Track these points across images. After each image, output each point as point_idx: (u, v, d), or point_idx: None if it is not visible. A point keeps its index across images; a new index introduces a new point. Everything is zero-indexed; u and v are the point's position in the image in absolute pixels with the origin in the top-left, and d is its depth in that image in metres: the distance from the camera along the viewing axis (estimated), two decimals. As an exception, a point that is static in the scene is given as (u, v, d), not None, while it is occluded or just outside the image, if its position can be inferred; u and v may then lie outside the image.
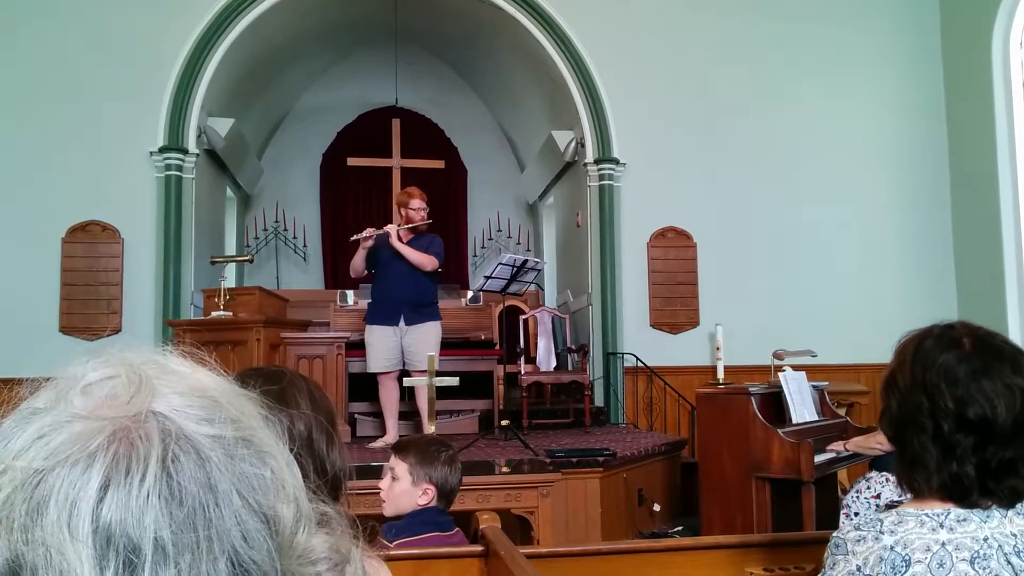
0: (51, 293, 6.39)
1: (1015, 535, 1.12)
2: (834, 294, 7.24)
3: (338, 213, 9.73)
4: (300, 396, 1.22)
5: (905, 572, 1.09)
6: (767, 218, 7.27)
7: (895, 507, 1.19)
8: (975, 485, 1.13)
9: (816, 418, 4.27)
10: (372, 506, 2.60)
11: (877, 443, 3.65)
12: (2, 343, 6.08)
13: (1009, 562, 1.09)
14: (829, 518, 3.60)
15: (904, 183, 7.54)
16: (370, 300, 5.48)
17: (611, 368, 6.98)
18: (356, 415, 6.16)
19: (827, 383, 4.81)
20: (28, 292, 6.33)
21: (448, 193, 9.67)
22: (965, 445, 1.14)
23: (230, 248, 8.64)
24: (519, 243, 9.95)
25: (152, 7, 6.70)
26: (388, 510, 2.26)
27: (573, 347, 6.97)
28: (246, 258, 6.82)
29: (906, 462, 1.20)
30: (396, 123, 8.49)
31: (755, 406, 3.96)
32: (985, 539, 1.11)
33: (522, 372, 6.27)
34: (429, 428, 4.31)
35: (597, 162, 7.20)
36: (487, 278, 5.38)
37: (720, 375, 6.21)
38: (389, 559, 1.61)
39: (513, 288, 5.52)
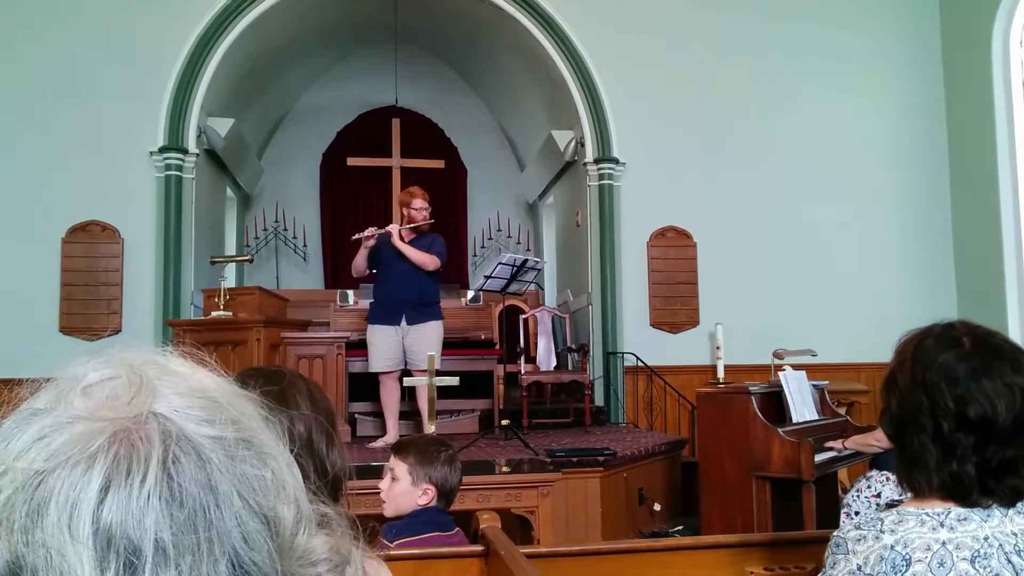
0: (51, 293, 6.39)
1: (1015, 534, 1.12)
2: (834, 294, 7.24)
3: (338, 213, 9.74)
4: (300, 396, 1.21)
5: (905, 571, 1.09)
6: (767, 218, 7.27)
7: (895, 506, 1.19)
8: (975, 484, 1.13)
9: (816, 417, 4.27)
10: (372, 506, 2.60)
11: (875, 440, 3.66)
12: (2, 343, 6.07)
13: (1010, 561, 1.09)
14: (829, 517, 3.60)
15: (904, 183, 7.54)
16: (372, 300, 5.48)
17: (611, 368, 6.98)
18: (356, 415, 6.16)
19: (827, 382, 4.81)
20: (28, 292, 6.33)
21: (448, 193, 9.67)
22: (965, 444, 1.14)
23: (230, 248, 8.64)
24: (519, 243, 9.95)
25: (152, 7, 6.70)
26: (388, 510, 2.26)
27: (573, 347, 6.97)
28: (246, 258, 6.82)
29: (906, 461, 1.20)
30: (396, 123, 8.49)
31: (755, 405, 3.96)
32: (986, 538, 1.11)
33: (522, 372, 6.27)
34: (429, 428, 4.31)
35: (597, 162, 7.20)
36: (487, 278, 5.38)
37: (720, 374, 6.22)
38: (389, 559, 1.61)
39: (513, 288, 5.51)
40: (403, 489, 2.24)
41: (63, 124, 6.52)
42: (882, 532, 1.14)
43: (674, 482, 5.55)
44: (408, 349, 5.19)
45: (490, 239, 10.03)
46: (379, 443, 5.16)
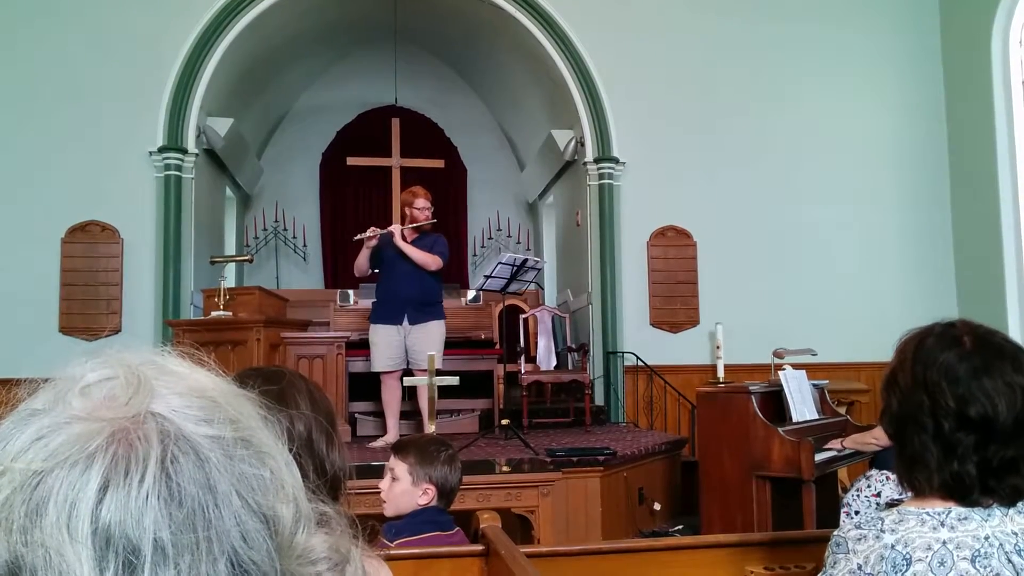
0: (51, 293, 6.39)
1: (1016, 533, 1.12)
2: (834, 293, 7.24)
3: (338, 213, 9.74)
4: (299, 396, 1.21)
5: (906, 571, 1.09)
6: (767, 217, 7.27)
7: (896, 505, 1.19)
8: (976, 484, 1.13)
9: (816, 417, 4.27)
10: (372, 506, 2.60)
11: (873, 439, 3.67)
12: (2, 343, 6.07)
13: (1010, 560, 1.09)
14: (829, 517, 3.60)
15: (904, 183, 7.54)
16: (374, 300, 5.49)
17: (611, 367, 6.98)
18: (356, 415, 6.16)
19: (827, 382, 4.80)
20: (28, 292, 6.33)
21: (448, 193, 9.66)
22: (966, 444, 1.14)
23: (230, 248, 8.64)
24: (519, 242, 9.95)
25: (152, 7, 6.70)
26: (388, 510, 2.26)
27: (573, 346, 6.97)
28: (246, 258, 6.82)
29: (907, 460, 1.20)
30: (396, 123, 8.48)
31: (755, 405, 3.96)
32: (986, 538, 1.11)
33: (522, 371, 6.27)
34: (429, 427, 4.31)
35: (597, 161, 7.20)
36: (487, 277, 5.38)
37: (720, 374, 6.21)
38: (389, 559, 1.60)
39: (513, 287, 5.51)
40: (403, 489, 2.24)
41: (63, 124, 6.52)
42: (882, 531, 1.14)
43: (674, 482, 5.55)
44: (410, 349, 5.19)
45: (490, 239, 10.03)
46: (379, 443, 5.16)
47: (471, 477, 3.41)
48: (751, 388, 4.06)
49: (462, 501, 3.05)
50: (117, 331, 6.40)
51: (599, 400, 6.97)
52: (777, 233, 7.27)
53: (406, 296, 5.21)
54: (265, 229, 9.46)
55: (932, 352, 1.20)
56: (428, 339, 5.11)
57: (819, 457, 3.80)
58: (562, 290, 8.48)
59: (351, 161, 8.45)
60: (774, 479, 3.89)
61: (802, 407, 4.16)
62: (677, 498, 5.51)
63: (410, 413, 5.71)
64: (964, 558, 1.09)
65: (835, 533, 1.21)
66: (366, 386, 5.91)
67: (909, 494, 1.23)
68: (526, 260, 5.42)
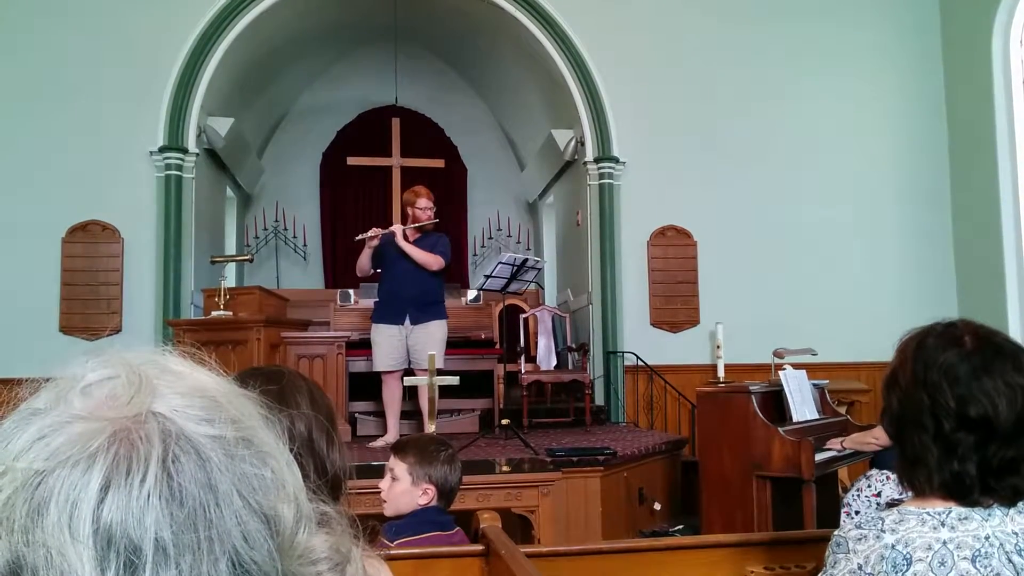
0: (51, 293, 6.39)
1: (1016, 533, 1.12)
2: (834, 293, 7.23)
3: (338, 212, 9.74)
4: (300, 396, 1.21)
5: (906, 570, 1.09)
6: (767, 217, 7.26)
7: (896, 505, 1.19)
8: (976, 484, 1.13)
9: (817, 416, 4.27)
10: (372, 506, 2.60)
11: (873, 439, 3.67)
12: (2, 343, 6.07)
13: (1010, 560, 1.09)
14: (830, 517, 3.61)
15: (904, 183, 7.54)
16: (376, 299, 5.49)
17: (611, 367, 6.98)
18: (356, 415, 6.16)
19: (827, 381, 4.80)
20: (28, 292, 6.33)
21: (448, 192, 9.65)
22: (966, 443, 1.14)
23: (230, 248, 8.64)
24: (519, 242, 9.95)
25: (152, 7, 6.70)
26: (388, 510, 2.26)
27: (573, 346, 6.97)
28: (246, 258, 6.82)
29: (907, 460, 1.20)
30: (396, 122, 8.49)
31: (755, 405, 3.96)
32: (986, 537, 1.11)
33: (522, 371, 6.27)
34: (430, 427, 4.31)
35: (597, 161, 7.20)
36: (487, 277, 5.38)
37: (720, 374, 6.21)
38: (390, 559, 1.60)
39: (513, 287, 5.51)
40: (403, 489, 2.24)
41: (63, 124, 6.52)
42: (883, 531, 1.14)
43: (674, 481, 5.55)
44: (412, 348, 5.19)
45: (490, 238, 10.03)
46: (379, 442, 5.16)
47: (471, 477, 3.41)
48: (751, 388, 4.06)
49: (462, 501, 3.05)
50: (117, 331, 6.40)
51: (599, 400, 6.97)
52: (777, 233, 7.27)
53: (408, 296, 5.21)
54: (265, 229, 9.46)
55: (933, 352, 1.20)
56: (430, 339, 5.11)
57: (819, 457, 3.80)
58: (562, 290, 8.48)
59: (351, 161, 8.46)
60: (774, 479, 3.89)
61: (802, 407, 4.16)
62: (677, 498, 5.51)
63: (410, 413, 5.71)
64: (964, 558, 1.09)
65: (835, 533, 1.21)
66: (366, 386, 5.92)
67: (909, 494, 1.23)
68: (526, 260, 5.42)
